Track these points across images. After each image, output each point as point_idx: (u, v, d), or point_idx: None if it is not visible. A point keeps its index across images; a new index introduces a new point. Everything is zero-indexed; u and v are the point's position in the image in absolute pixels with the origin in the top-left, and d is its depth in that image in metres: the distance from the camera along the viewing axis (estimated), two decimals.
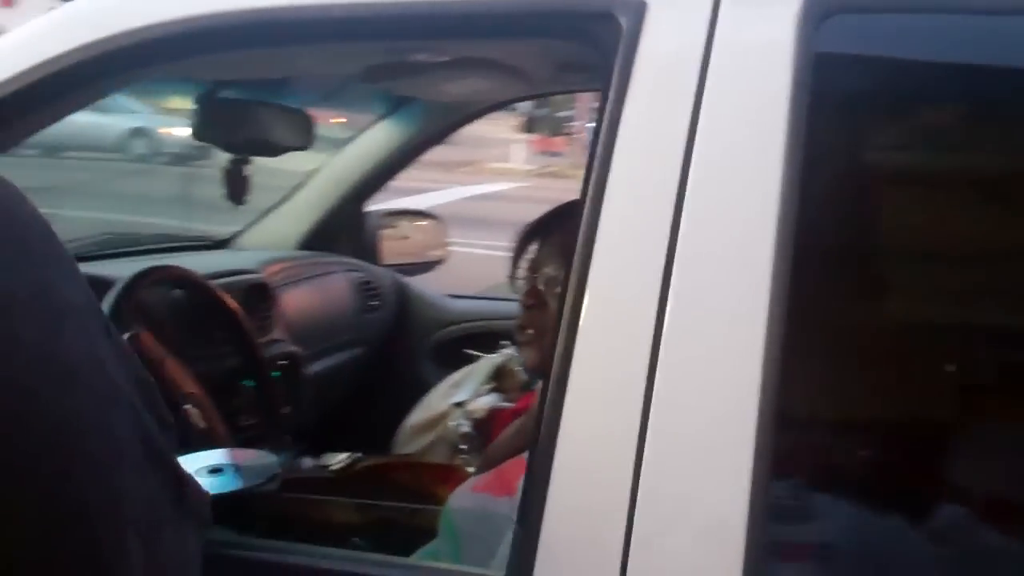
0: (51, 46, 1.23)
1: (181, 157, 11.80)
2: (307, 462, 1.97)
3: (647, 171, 1.05)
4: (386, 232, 2.96)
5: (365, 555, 1.34)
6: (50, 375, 0.79)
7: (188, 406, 1.71)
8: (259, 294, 2.27)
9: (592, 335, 1.02)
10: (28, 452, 0.78)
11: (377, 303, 2.78)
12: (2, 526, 0.77)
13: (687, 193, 1.03)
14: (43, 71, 1.23)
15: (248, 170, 2.06)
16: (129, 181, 12.14)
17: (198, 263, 2.35)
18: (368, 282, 2.78)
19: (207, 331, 1.92)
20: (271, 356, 2.18)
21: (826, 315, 1.07)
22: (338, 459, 1.93)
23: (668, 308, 1.00)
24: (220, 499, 1.22)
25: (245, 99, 1.99)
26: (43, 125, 1.35)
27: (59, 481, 0.79)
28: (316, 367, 2.45)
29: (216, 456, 1.30)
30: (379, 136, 2.78)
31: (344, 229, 2.90)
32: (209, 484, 1.21)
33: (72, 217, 5.38)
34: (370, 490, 1.76)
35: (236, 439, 1.81)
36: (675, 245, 1.01)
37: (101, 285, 1.71)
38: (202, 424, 1.71)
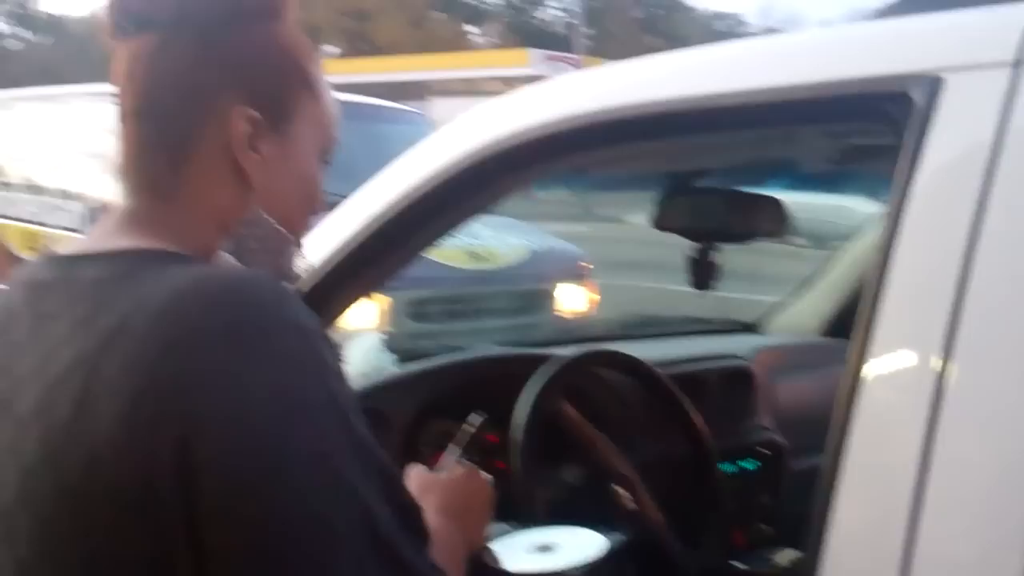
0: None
1: None
2: (762, 556, 1.94)
3: (934, 249, 0.97)
4: None
5: None
6: (266, 467, 0.89)
7: (616, 487, 1.77)
8: (741, 380, 2.27)
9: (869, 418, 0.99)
10: (245, 535, 0.90)
11: None
12: None
13: (974, 275, 0.94)
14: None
15: (714, 256, 2.09)
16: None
17: (693, 348, 2.42)
18: None
19: (651, 417, 1.97)
20: (749, 444, 2.17)
21: None
22: (788, 555, 1.88)
23: (945, 396, 0.93)
24: None
25: (713, 187, 2.03)
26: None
27: (276, 567, 0.90)
28: (813, 461, 2.38)
29: (553, 535, 1.35)
30: None
31: None
32: (528, 560, 1.27)
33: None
34: None
35: (676, 523, 1.83)
36: (957, 328, 0.93)
37: (541, 361, 1.84)
38: (631, 505, 1.77)
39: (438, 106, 38.39)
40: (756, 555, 1.99)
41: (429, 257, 6.16)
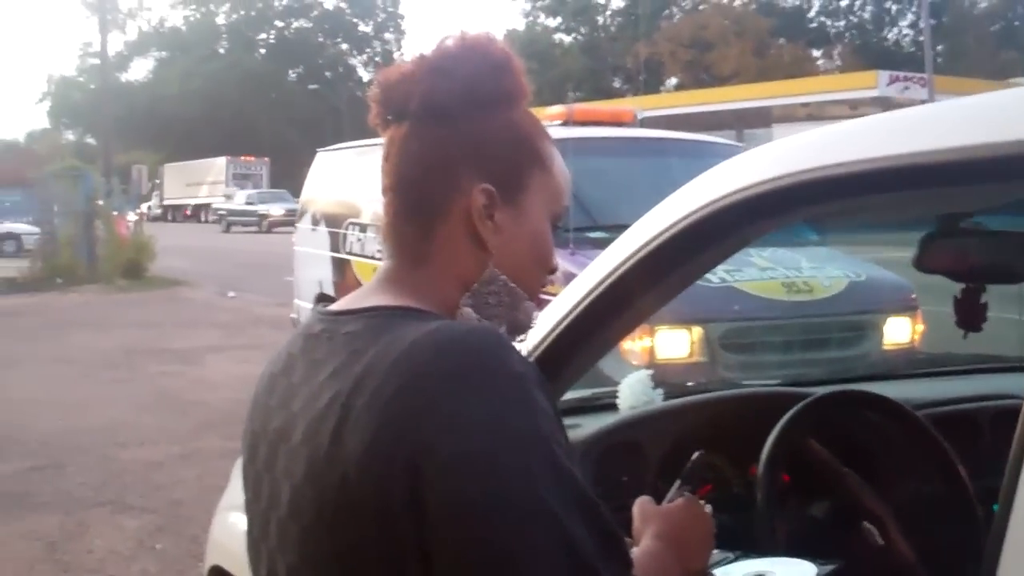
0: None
1: None
2: None
3: None
4: None
5: None
6: (480, 492, 1.06)
7: (866, 523, 1.81)
8: (1012, 421, 2.20)
9: None
10: (460, 548, 1.06)
11: None
12: None
13: None
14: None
15: (984, 297, 2.07)
16: None
17: (966, 387, 2.39)
18: None
19: (906, 456, 1.97)
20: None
21: None
22: None
23: None
24: None
25: (976, 227, 2.02)
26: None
27: (513, 563, 1.05)
28: None
29: (767, 564, 1.43)
30: None
31: None
32: None
33: None
34: None
35: (930, 563, 1.84)
36: None
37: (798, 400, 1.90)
38: (879, 542, 1.80)
39: (780, 133, 37.78)
40: None
41: (743, 290, 6.19)
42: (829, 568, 1.42)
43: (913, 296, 6.91)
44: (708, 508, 1.43)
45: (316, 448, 1.16)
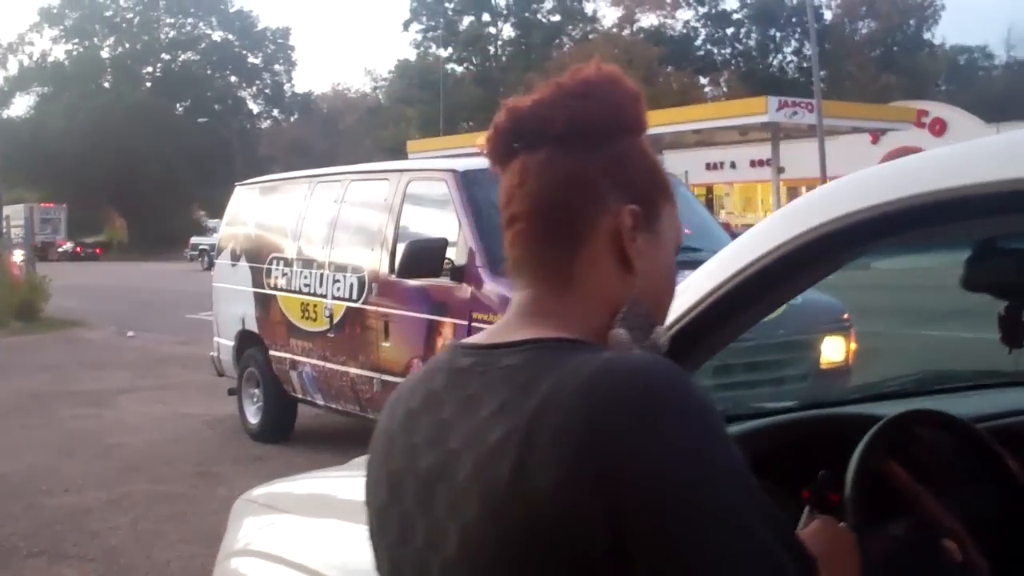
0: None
1: None
2: None
3: None
4: None
5: None
6: (685, 527, 1.04)
7: (945, 540, 1.82)
8: None
9: None
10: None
11: None
12: None
13: None
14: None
15: None
16: None
17: (997, 402, 2.43)
18: None
19: (973, 471, 2.00)
20: None
21: None
22: None
23: None
24: None
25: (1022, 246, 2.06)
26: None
27: None
28: None
29: None
30: None
31: None
32: None
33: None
34: None
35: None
36: None
37: (872, 422, 1.91)
38: (959, 558, 1.81)
39: (671, 159, 38.39)
40: None
41: None
42: None
43: (846, 316, 7.08)
44: (843, 525, 1.41)
45: (493, 486, 1.12)
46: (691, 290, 1.66)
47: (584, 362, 1.12)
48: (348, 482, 2.83)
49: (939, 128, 50.73)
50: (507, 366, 1.18)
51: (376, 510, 1.33)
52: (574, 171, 1.25)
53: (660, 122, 36.91)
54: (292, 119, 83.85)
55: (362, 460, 3.11)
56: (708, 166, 46.67)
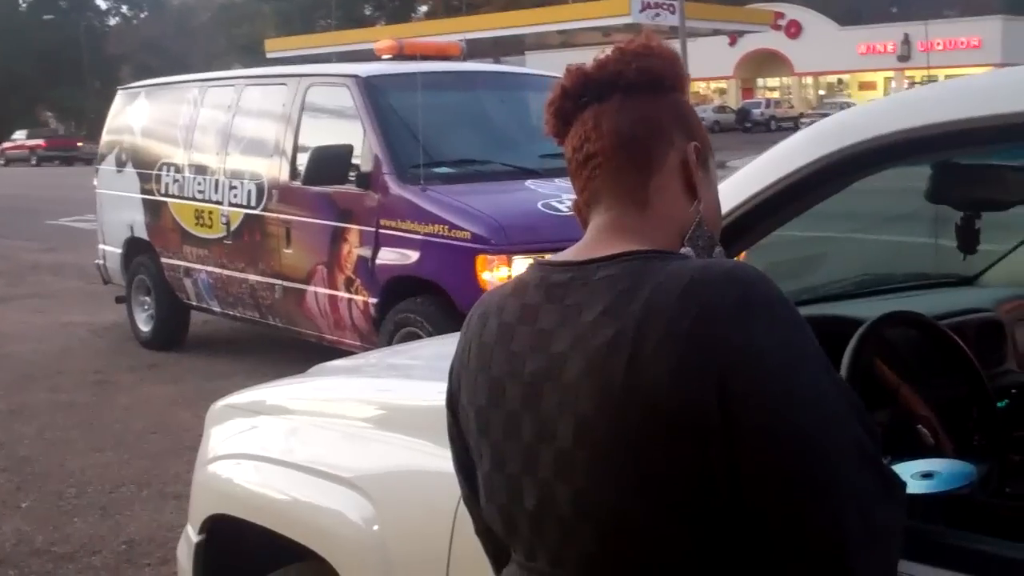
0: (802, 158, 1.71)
1: None
2: None
3: None
4: None
5: None
6: (783, 402, 1.24)
7: (920, 426, 2.07)
8: (992, 330, 2.55)
9: None
10: (768, 453, 1.24)
11: None
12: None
13: None
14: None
15: (979, 224, 2.36)
16: None
17: (938, 303, 2.70)
18: None
19: (939, 364, 2.26)
20: (1001, 386, 2.45)
21: None
22: None
23: None
24: (928, 497, 1.59)
25: (980, 163, 2.29)
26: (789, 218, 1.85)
27: (794, 476, 1.23)
28: None
29: (929, 464, 1.66)
30: None
31: None
32: (918, 485, 1.58)
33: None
34: None
35: (964, 455, 2.12)
36: None
37: (852, 324, 2.14)
38: (931, 441, 2.06)
39: (533, 60, 38.36)
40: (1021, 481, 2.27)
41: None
42: (984, 467, 1.65)
43: None
44: None
45: (608, 380, 1.28)
46: (730, 196, 1.84)
47: (681, 267, 1.31)
48: (319, 386, 2.98)
49: (794, 30, 51.91)
50: (606, 276, 1.36)
51: (477, 412, 1.48)
52: (646, 113, 1.46)
53: (523, 22, 36.92)
54: (142, 16, 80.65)
55: (323, 367, 3.24)
56: None
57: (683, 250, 1.42)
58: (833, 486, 1.23)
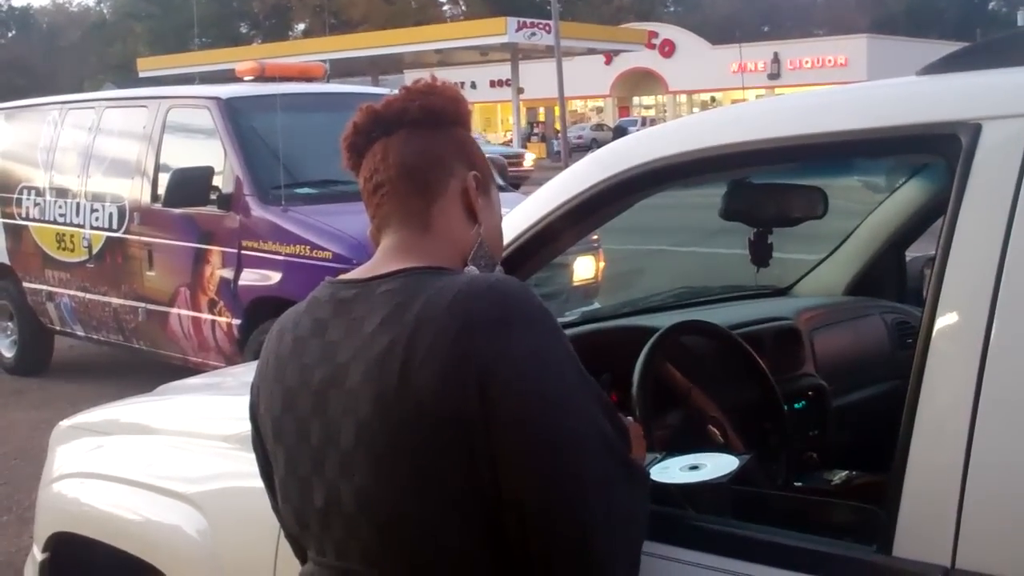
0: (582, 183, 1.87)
1: None
2: (819, 476, 2.42)
3: (980, 246, 1.43)
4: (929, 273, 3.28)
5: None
6: (535, 402, 1.40)
7: (710, 426, 2.25)
8: (790, 337, 2.76)
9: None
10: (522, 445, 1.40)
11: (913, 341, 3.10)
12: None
13: (1008, 264, 1.40)
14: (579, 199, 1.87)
15: (770, 239, 2.56)
16: None
17: (746, 313, 2.90)
18: (906, 323, 3.13)
19: (732, 370, 2.45)
20: (798, 388, 2.66)
21: None
22: (840, 475, 2.37)
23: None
24: (696, 486, 1.76)
25: (769, 182, 2.49)
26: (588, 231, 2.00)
27: (546, 467, 1.40)
28: (850, 398, 2.87)
29: (697, 458, 1.83)
30: (911, 189, 3.14)
31: (886, 274, 3.28)
32: (683, 476, 1.75)
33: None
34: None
35: (755, 452, 2.30)
36: (996, 300, 1.39)
37: (648, 333, 2.31)
38: (720, 439, 2.25)
39: (412, 78, 38.40)
40: (812, 476, 2.47)
41: None
42: (745, 458, 1.82)
43: (596, 238, 7.60)
44: (629, 419, 1.79)
45: (384, 385, 1.43)
46: (513, 225, 1.99)
47: (451, 281, 1.47)
48: (163, 405, 3.05)
49: (668, 49, 52.94)
50: (385, 291, 1.51)
51: (273, 420, 1.60)
52: (427, 145, 1.63)
53: (400, 41, 36.99)
54: (9, 35, 78.42)
55: (169, 386, 3.31)
56: None
57: (467, 268, 1.57)
58: (579, 476, 1.39)
